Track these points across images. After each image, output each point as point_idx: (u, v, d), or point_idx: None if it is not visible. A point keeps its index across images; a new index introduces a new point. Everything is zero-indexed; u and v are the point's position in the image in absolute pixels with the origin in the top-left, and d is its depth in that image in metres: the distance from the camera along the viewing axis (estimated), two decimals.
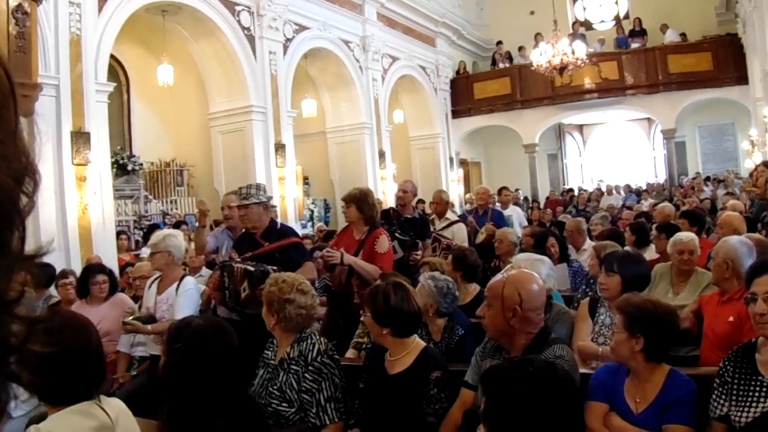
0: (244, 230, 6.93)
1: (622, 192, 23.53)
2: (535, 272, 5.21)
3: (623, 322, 3.67)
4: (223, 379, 3.28)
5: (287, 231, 6.95)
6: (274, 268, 5.80)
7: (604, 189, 24.44)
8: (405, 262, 7.86)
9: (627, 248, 8.27)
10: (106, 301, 7.23)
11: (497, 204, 13.23)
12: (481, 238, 10.29)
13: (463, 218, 10.96)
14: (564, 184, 28.50)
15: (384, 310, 4.14)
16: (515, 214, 12.79)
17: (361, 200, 7.07)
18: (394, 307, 4.14)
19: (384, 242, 6.89)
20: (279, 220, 7.13)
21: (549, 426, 2.30)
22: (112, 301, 7.24)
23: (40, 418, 3.12)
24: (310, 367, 4.24)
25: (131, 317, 6.26)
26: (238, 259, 6.35)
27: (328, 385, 4.22)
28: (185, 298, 6.27)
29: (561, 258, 8.22)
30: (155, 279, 6.64)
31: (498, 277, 3.94)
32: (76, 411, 2.71)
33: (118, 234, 11.77)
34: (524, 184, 25.70)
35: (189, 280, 6.55)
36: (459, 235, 9.97)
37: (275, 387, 4.25)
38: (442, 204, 10.49)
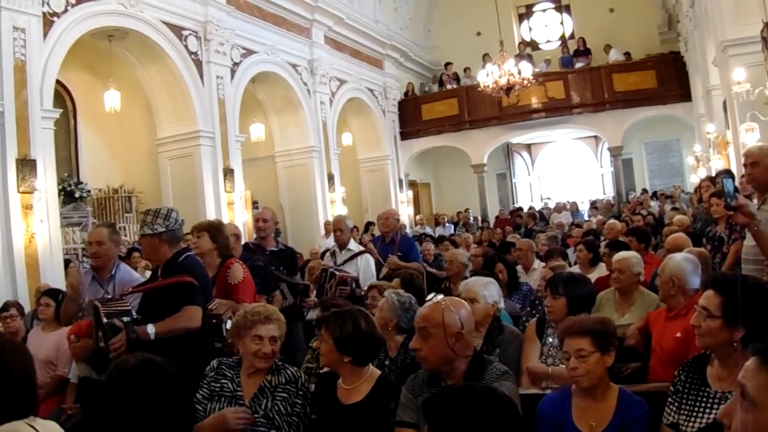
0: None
1: (569, 209, 23.72)
2: (486, 294, 5.29)
3: (594, 342, 3.70)
4: (158, 422, 2.98)
5: (189, 267, 5.47)
6: (126, 319, 4.91)
7: (552, 207, 24.67)
8: (297, 308, 7.38)
9: (576, 267, 8.37)
10: (58, 327, 6.86)
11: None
12: (384, 272, 8.99)
13: (375, 242, 9.85)
14: (513, 203, 28.66)
15: (350, 337, 4.07)
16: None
17: (215, 229, 6.51)
18: (364, 334, 4.10)
19: (237, 271, 6.29)
20: (192, 254, 5.86)
21: None
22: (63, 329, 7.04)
23: None
24: (300, 392, 4.23)
25: None
26: (107, 297, 5.55)
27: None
28: None
29: (510, 284, 8.09)
30: None
31: (428, 306, 3.86)
32: (6, 430, 2.68)
33: (66, 262, 11.62)
34: (474, 204, 25.90)
35: None
36: (366, 270, 8.83)
37: (259, 415, 4.13)
38: (345, 232, 9.14)
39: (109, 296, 5.54)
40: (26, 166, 10.96)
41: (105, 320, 4.89)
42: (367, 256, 9.02)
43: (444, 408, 2.35)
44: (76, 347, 5.53)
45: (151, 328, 4.96)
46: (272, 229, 8.44)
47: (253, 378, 4.30)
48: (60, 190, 13.02)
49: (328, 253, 9.71)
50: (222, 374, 4.38)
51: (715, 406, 3.42)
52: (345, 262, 8.85)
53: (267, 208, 9.29)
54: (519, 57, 21.88)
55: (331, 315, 4.31)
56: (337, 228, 9.27)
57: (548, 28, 28.82)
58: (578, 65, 24.76)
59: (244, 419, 3.98)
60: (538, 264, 9.44)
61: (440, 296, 3.95)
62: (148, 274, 6.99)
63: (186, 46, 14.91)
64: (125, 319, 4.93)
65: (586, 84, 23.91)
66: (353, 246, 9.24)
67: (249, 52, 17.03)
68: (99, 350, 5.13)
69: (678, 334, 4.80)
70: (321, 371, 4.69)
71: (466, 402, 2.36)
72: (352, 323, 4.12)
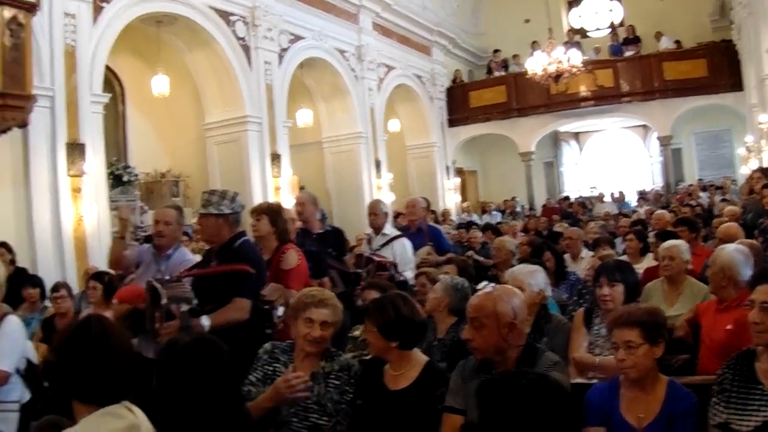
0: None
1: (614, 200, 23.51)
2: (533, 282, 5.23)
3: (643, 334, 3.63)
4: (215, 399, 3.03)
5: (245, 253, 5.50)
6: (184, 308, 4.91)
7: (596, 196, 24.49)
8: (348, 296, 7.04)
9: (624, 257, 8.27)
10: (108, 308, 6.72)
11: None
12: (416, 261, 8.73)
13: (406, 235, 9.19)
14: (560, 192, 28.45)
15: (394, 322, 4.03)
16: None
17: (275, 212, 6.40)
18: (406, 318, 4.05)
19: (291, 257, 6.18)
20: (249, 238, 5.91)
21: None
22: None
23: (46, 425, 3.12)
24: (352, 380, 4.21)
25: None
26: (166, 278, 5.41)
27: None
28: (6, 343, 5.10)
29: (558, 273, 7.97)
30: None
31: (479, 295, 3.82)
32: (106, 413, 2.76)
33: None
34: (521, 192, 25.66)
35: (12, 320, 5.26)
36: (403, 254, 8.55)
37: (311, 401, 4.11)
38: (380, 216, 9.02)
39: (167, 278, 5.47)
40: (75, 150, 11.08)
41: (164, 301, 4.90)
42: (403, 240, 8.80)
43: (497, 393, 2.31)
44: (115, 309, 5.63)
45: (206, 321, 4.97)
46: (312, 212, 8.31)
47: (307, 363, 4.26)
48: (108, 174, 13.11)
49: (364, 240, 9.63)
50: (275, 358, 4.37)
51: None
52: (381, 246, 8.68)
53: (303, 191, 9.23)
54: (568, 44, 21.72)
55: (371, 304, 4.29)
56: (371, 212, 9.15)
57: (597, 16, 28.49)
58: (628, 53, 24.45)
59: (297, 385, 3.92)
60: (586, 253, 9.32)
61: (492, 285, 3.90)
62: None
63: (234, 32, 14.93)
64: (183, 307, 4.94)
65: (635, 72, 23.60)
66: (389, 230, 9.11)
67: (297, 38, 17.03)
68: (146, 323, 5.13)
69: (729, 327, 4.72)
70: (365, 358, 4.64)
71: (519, 388, 2.33)
72: (393, 308, 4.06)
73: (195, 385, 2.95)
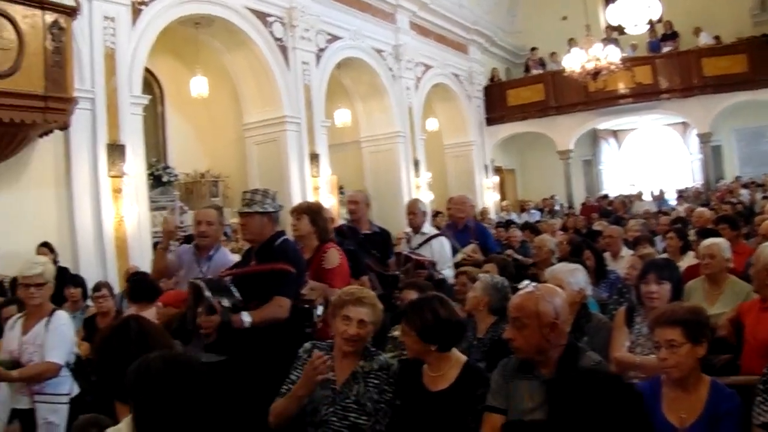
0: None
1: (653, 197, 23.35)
2: (573, 280, 5.20)
3: (685, 333, 3.60)
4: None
5: (285, 252, 5.52)
6: (226, 303, 4.97)
7: (635, 194, 24.32)
8: (387, 297, 6.95)
9: (664, 255, 8.20)
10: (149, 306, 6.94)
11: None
12: (459, 257, 8.76)
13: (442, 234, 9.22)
14: (599, 191, 28.27)
15: (432, 325, 4.00)
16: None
17: (315, 212, 6.38)
18: (444, 320, 4.02)
19: (333, 256, 6.20)
20: (289, 236, 5.97)
21: None
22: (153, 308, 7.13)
23: (87, 423, 3.15)
24: (391, 380, 4.20)
25: None
26: (209, 277, 5.54)
27: None
28: (57, 337, 5.32)
29: (598, 272, 7.84)
30: (19, 317, 5.62)
31: (521, 295, 3.80)
32: None
33: (155, 245, 11.79)
34: (559, 191, 25.53)
35: (61, 315, 5.54)
36: (441, 253, 8.55)
37: (350, 400, 4.13)
38: (418, 216, 9.01)
39: (209, 277, 5.53)
40: (116, 151, 11.19)
41: (207, 294, 4.94)
42: (442, 239, 8.80)
43: (572, 391, 2.29)
44: (159, 314, 5.74)
45: (246, 317, 5.00)
46: (364, 211, 8.41)
47: (346, 362, 4.26)
48: (148, 175, 13.21)
49: (403, 239, 9.58)
50: None
51: None
52: (419, 245, 8.66)
53: (359, 190, 9.28)
54: (606, 41, 21.52)
55: (409, 307, 4.24)
56: (410, 212, 9.13)
57: (635, 12, 28.18)
58: (666, 50, 24.22)
59: (320, 366, 3.95)
60: (626, 252, 9.24)
61: (533, 285, 3.87)
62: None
63: (271, 32, 14.98)
64: (225, 303, 4.98)
65: (674, 69, 23.31)
66: (427, 229, 9.10)
67: (334, 38, 17.06)
68: (186, 323, 5.21)
69: None
70: (404, 358, 4.62)
71: (594, 386, 2.31)
72: (431, 311, 4.03)
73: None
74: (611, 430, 2.22)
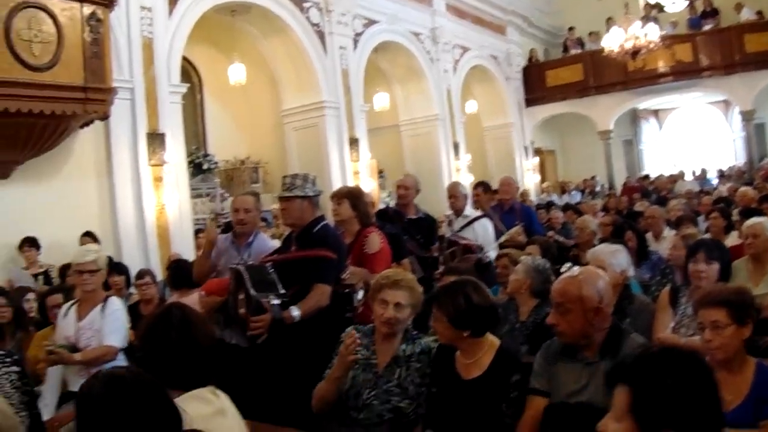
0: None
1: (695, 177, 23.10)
2: (615, 262, 5.15)
3: (730, 314, 3.53)
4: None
5: (325, 237, 5.54)
6: (276, 301, 5.00)
7: (677, 173, 24.07)
8: (428, 281, 6.92)
9: (707, 235, 8.11)
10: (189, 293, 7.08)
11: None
12: (503, 239, 8.69)
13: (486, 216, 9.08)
14: (640, 171, 27.99)
15: (465, 311, 3.88)
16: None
17: (355, 196, 6.42)
18: (477, 306, 3.91)
19: (374, 241, 6.19)
20: (329, 221, 5.98)
21: (701, 413, 2.21)
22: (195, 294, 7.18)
23: None
24: (432, 363, 4.17)
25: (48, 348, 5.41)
26: (249, 263, 5.53)
27: None
28: (114, 321, 5.55)
29: (640, 252, 7.76)
30: (72, 304, 5.78)
31: (563, 280, 3.74)
32: (194, 396, 2.87)
33: (196, 232, 11.86)
34: (600, 171, 25.37)
35: (115, 301, 5.81)
36: (485, 235, 8.51)
37: (392, 384, 4.14)
38: (460, 199, 8.91)
39: (252, 263, 5.55)
40: (156, 139, 11.26)
41: (253, 292, 4.97)
42: (484, 220, 8.73)
43: (653, 369, 2.25)
44: (202, 301, 5.70)
45: (296, 312, 5.04)
46: (413, 197, 8.39)
47: (387, 346, 4.25)
48: (189, 163, 13.28)
49: (444, 222, 9.50)
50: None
51: None
52: (462, 228, 8.59)
53: (409, 175, 9.15)
54: (644, 19, 21.29)
55: (441, 291, 4.15)
56: (451, 195, 9.02)
57: None
58: (706, 27, 23.88)
59: (350, 345, 4.00)
60: (668, 232, 9.15)
61: (576, 268, 3.82)
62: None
63: (308, 18, 14.99)
64: (274, 301, 4.99)
65: (715, 46, 22.89)
66: (469, 212, 8.99)
67: (371, 22, 17.04)
68: (229, 310, 5.33)
69: None
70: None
71: (676, 363, 2.27)
72: (464, 297, 3.92)
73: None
74: (694, 406, 2.18)
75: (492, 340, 4.05)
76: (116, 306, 5.71)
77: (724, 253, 5.04)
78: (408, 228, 7.78)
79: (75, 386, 5.38)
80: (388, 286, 4.21)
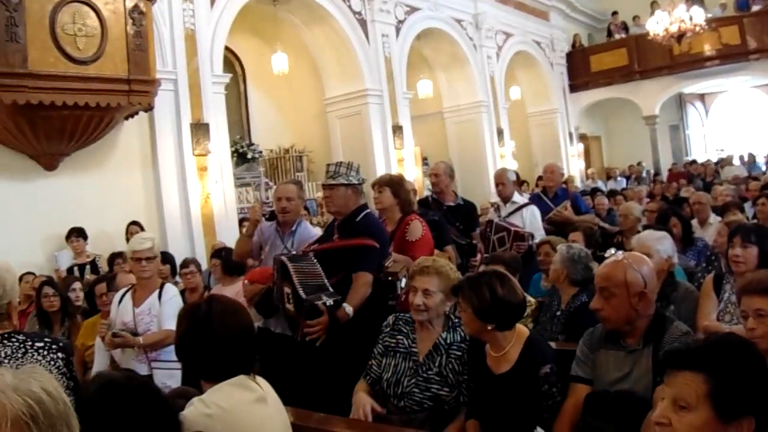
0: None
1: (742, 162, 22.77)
2: (660, 248, 5.11)
3: None
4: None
5: (368, 226, 5.57)
6: (330, 302, 4.94)
7: (723, 158, 23.77)
8: (464, 268, 6.98)
9: (754, 221, 8.01)
10: (233, 281, 7.29)
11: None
12: (553, 214, 8.90)
13: (533, 201, 9.25)
14: (686, 156, 27.70)
15: (490, 305, 3.79)
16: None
17: (397, 184, 6.41)
18: (503, 300, 3.81)
19: (416, 228, 6.14)
20: (372, 210, 6.09)
21: None
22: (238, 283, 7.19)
23: (176, 395, 3.23)
24: (466, 356, 4.15)
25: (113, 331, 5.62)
26: (293, 253, 5.62)
27: None
28: (171, 307, 5.67)
29: (684, 239, 7.70)
30: (126, 291, 5.97)
31: (608, 264, 3.70)
32: (234, 384, 2.92)
33: (241, 221, 11.92)
34: (646, 157, 25.13)
35: (171, 287, 6.04)
36: (533, 222, 8.48)
37: (433, 372, 4.12)
38: (507, 186, 8.86)
39: (294, 252, 5.64)
40: (200, 129, 11.36)
41: (304, 297, 4.93)
42: (532, 207, 8.69)
43: (733, 356, 2.23)
44: (246, 289, 5.79)
45: (349, 309, 5.04)
46: (447, 183, 8.24)
47: (428, 334, 4.24)
48: (233, 152, 13.38)
49: (492, 208, 9.50)
50: (398, 330, 4.38)
51: None
52: (510, 214, 8.56)
53: (441, 161, 9.00)
54: (689, 2, 21.04)
55: (466, 283, 4.04)
56: (498, 182, 8.99)
57: None
58: (755, 8, 23.52)
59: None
60: (714, 218, 9.05)
61: (620, 253, 3.79)
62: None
63: (350, 6, 15.01)
64: (328, 301, 4.96)
65: (764, 27, 22.42)
66: (517, 198, 8.92)
67: (413, 10, 17.00)
68: (273, 300, 5.42)
69: None
70: None
71: (749, 350, 2.25)
72: (489, 289, 3.82)
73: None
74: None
75: (520, 330, 3.98)
76: (173, 292, 5.92)
77: (763, 237, 4.93)
78: (447, 215, 7.67)
79: (136, 370, 5.50)
80: (417, 272, 4.23)
